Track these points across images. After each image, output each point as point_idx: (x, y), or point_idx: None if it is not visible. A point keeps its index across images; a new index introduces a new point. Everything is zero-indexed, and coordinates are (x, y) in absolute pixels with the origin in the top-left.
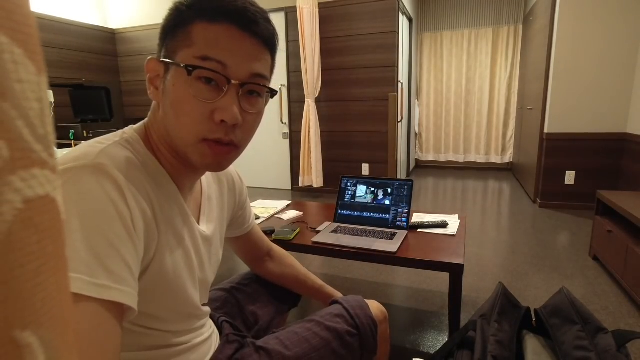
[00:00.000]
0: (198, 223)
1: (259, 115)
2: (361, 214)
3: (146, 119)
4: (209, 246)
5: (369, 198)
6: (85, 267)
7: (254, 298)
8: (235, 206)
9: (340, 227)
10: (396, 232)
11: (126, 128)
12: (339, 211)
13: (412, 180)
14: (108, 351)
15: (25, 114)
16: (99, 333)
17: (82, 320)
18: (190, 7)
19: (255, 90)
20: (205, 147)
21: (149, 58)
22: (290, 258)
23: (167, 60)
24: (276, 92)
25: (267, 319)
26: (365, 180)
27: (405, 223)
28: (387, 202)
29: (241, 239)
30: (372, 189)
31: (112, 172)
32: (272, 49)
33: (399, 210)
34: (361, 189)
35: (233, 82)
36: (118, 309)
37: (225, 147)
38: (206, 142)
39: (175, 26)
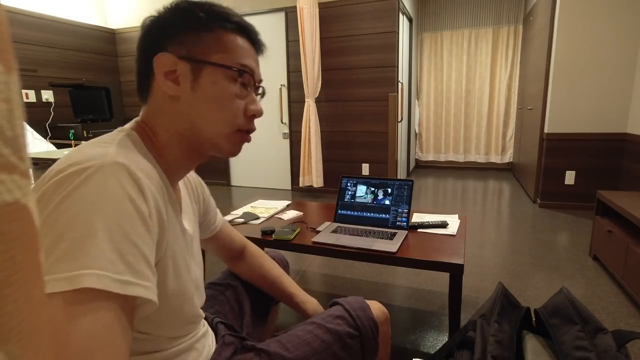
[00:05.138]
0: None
1: None
2: (361, 214)
3: (138, 118)
4: (193, 244)
5: (369, 198)
6: (110, 265)
7: (241, 292)
8: (200, 205)
9: (340, 227)
10: (396, 232)
11: (120, 128)
12: (339, 211)
13: (412, 180)
14: (122, 348)
15: None
16: (115, 330)
17: (100, 317)
18: (211, 16)
19: (259, 92)
20: (238, 136)
21: (160, 53)
22: (261, 258)
23: (207, 60)
24: (264, 93)
25: (255, 311)
26: (365, 180)
27: (405, 223)
28: (387, 202)
29: (212, 240)
30: (372, 189)
31: (131, 170)
32: None
33: (399, 210)
34: (361, 189)
35: (257, 85)
36: (132, 307)
37: (248, 135)
38: (239, 132)
39: (197, 30)
